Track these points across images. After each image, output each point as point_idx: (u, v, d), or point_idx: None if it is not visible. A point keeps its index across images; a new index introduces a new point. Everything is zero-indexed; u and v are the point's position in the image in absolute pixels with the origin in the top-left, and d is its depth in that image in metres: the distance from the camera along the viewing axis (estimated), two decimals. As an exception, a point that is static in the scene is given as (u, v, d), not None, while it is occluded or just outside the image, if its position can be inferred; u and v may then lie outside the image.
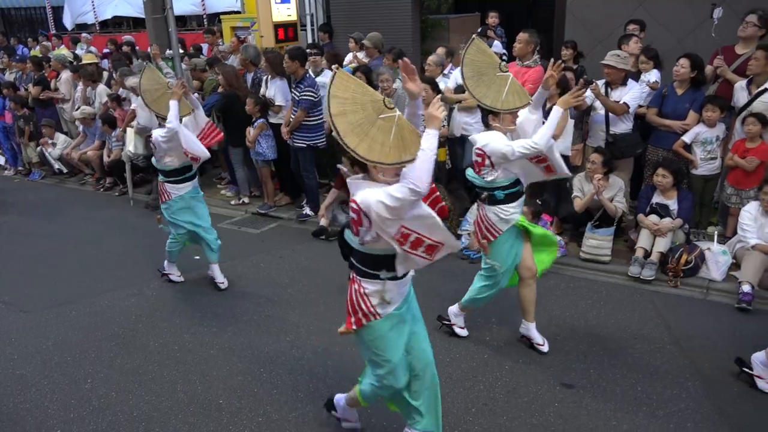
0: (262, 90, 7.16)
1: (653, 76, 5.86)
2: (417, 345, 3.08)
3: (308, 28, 9.69)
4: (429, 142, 2.57)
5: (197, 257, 6.09)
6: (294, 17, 9.30)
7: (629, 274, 5.16)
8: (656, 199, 5.37)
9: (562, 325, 4.55)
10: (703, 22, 5.79)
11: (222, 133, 5.56)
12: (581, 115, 5.90)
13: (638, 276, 5.11)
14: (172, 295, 5.35)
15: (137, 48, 10.90)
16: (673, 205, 5.29)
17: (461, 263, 5.71)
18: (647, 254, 5.20)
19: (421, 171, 2.50)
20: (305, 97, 6.35)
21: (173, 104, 4.73)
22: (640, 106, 5.73)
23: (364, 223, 2.66)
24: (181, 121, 4.89)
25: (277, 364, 4.21)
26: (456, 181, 7.01)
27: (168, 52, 7.42)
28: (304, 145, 6.55)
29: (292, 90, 6.64)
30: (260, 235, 6.74)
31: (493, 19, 8.55)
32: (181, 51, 9.14)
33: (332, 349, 4.36)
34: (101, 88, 9.09)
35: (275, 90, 6.88)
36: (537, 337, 4.24)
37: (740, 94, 5.41)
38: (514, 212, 3.90)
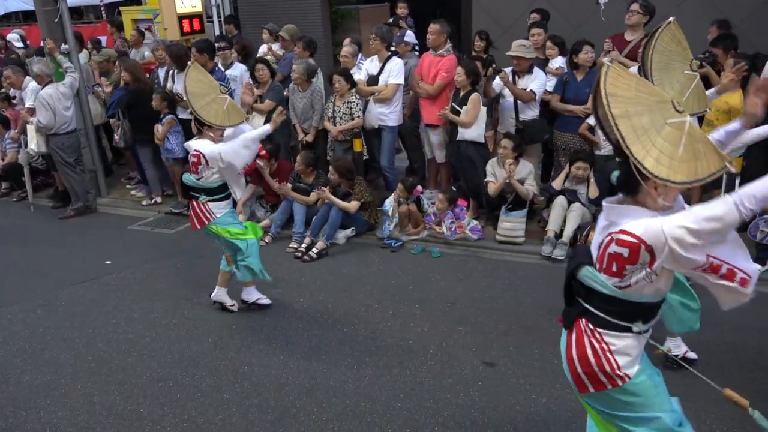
0: (168, 85, 6.90)
1: (558, 62, 6.14)
2: None
3: (215, 19, 9.41)
4: None
5: (108, 262, 5.81)
6: (199, 9, 9.00)
7: (542, 254, 5.40)
8: (567, 185, 5.63)
9: (482, 307, 4.69)
10: (597, 10, 6.14)
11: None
12: (491, 103, 6.09)
13: (550, 255, 5.35)
14: (83, 304, 5.07)
15: (28, 43, 10.19)
16: (581, 189, 5.57)
17: (382, 252, 5.77)
18: (557, 235, 5.46)
19: (759, 189, 1.88)
20: (215, 92, 6.16)
21: (264, 129, 4.36)
22: (549, 93, 5.99)
23: (641, 259, 2.07)
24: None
25: (199, 367, 4.10)
26: (373, 172, 7.06)
27: (63, 46, 6.97)
28: (217, 141, 6.35)
29: (201, 84, 6.42)
30: (176, 235, 6.51)
31: (402, 9, 8.63)
32: (89, 47, 8.67)
33: (257, 346, 4.30)
34: (-13, 86, 8.43)
35: (182, 84, 6.64)
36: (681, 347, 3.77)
37: (634, 78, 5.76)
38: None
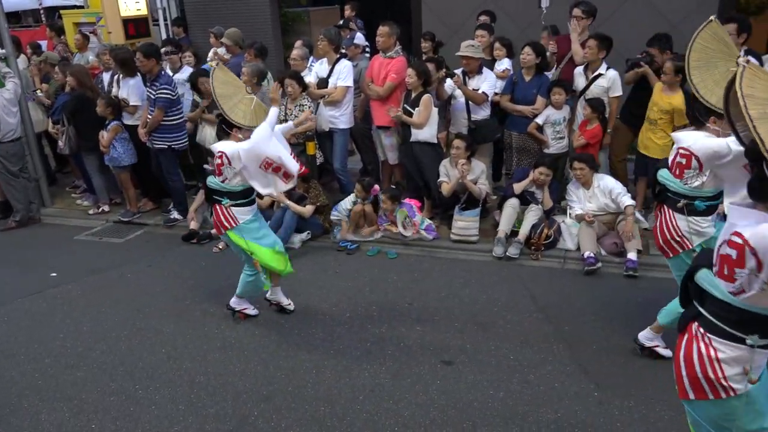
0: (113, 90, 6.72)
1: (504, 64, 6.25)
2: None
3: (161, 22, 9.19)
4: None
5: (54, 274, 5.61)
6: (144, 12, 8.80)
7: (494, 255, 5.48)
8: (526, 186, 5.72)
9: (439, 306, 4.73)
10: (543, 12, 6.28)
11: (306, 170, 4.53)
12: (444, 104, 6.16)
13: (501, 256, 5.43)
14: (28, 318, 4.87)
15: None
16: (538, 193, 5.69)
17: (338, 255, 5.75)
18: (508, 235, 5.54)
19: None
20: (162, 96, 6.03)
21: (273, 111, 4.11)
22: (496, 94, 6.09)
23: (748, 264, 1.98)
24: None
25: (153, 379, 3.99)
26: (327, 175, 7.04)
27: (0, 51, 6.70)
28: (165, 146, 6.22)
29: (147, 88, 6.28)
30: (125, 244, 6.33)
31: (348, 11, 8.63)
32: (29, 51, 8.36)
33: (212, 354, 4.22)
34: None
35: (128, 90, 6.48)
36: None
37: (579, 79, 5.93)
38: (708, 226, 3.46)
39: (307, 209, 5.79)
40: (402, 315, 4.63)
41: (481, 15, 6.97)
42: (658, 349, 3.89)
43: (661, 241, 3.58)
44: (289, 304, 4.69)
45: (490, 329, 4.38)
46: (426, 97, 5.76)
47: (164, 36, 8.97)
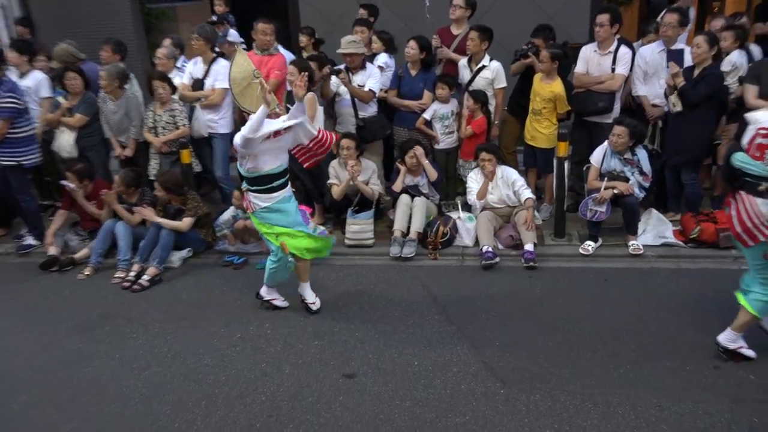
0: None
1: (381, 59, 6.10)
2: None
3: (1, 22, 8.21)
4: None
5: None
6: (-23, 10, 7.80)
7: (390, 255, 5.32)
8: (406, 181, 5.60)
9: (337, 316, 4.51)
10: (423, 5, 6.25)
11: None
12: (330, 102, 5.91)
13: (399, 255, 5.28)
14: None
15: None
16: (421, 181, 5.58)
17: (224, 271, 5.35)
18: (404, 234, 5.41)
19: None
20: (6, 105, 5.32)
21: (261, 110, 3.92)
22: (383, 89, 5.94)
23: None
24: None
25: (14, 427, 3.44)
26: (208, 185, 6.57)
27: None
28: (13, 163, 5.51)
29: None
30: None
31: (219, 6, 8.14)
32: None
33: (81, 397, 3.71)
34: None
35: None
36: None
37: (463, 71, 5.93)
38: None
39: (185, 223, 5.31)
40: (298, 330, 4.35)
41: (360, 8, 6.79)
42: (742, 350, 3.70)
43: (739, 229, 3.43)
44: (314, 303, 4.59)
45: (392, 335, 4.21)
46: (310, 95, 5.45)
47: (5, 38, 7.99)
